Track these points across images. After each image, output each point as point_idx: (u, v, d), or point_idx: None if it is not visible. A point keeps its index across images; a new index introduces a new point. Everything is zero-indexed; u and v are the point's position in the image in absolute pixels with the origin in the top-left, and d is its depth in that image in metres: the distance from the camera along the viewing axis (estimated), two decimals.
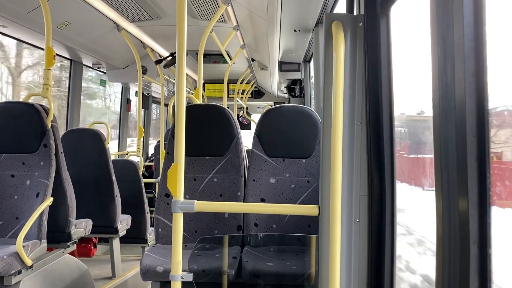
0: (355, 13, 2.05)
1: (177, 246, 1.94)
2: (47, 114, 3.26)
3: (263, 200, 3.09)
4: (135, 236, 4.84)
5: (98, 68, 6.15)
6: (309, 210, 2.01)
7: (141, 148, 5.61)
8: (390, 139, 1.92)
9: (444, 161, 1.21)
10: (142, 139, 5.59)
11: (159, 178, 3.77)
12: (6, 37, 4.33)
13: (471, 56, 1.14)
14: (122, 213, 4.50)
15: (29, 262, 2.81)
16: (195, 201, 1.98)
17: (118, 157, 6.56)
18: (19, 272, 2.79)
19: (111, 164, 4.37)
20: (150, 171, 7.45)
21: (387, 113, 1.92)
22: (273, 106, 3.38)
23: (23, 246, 2.76)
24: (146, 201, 4.92)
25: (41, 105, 3.29)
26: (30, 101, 3.40)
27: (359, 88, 1.96)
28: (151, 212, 5.23)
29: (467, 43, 1.14)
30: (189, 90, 8.19)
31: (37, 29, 4.04)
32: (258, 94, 10.32)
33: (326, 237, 1.84)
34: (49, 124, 3.24)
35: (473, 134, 1.13)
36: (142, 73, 5.70)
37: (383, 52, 1.92)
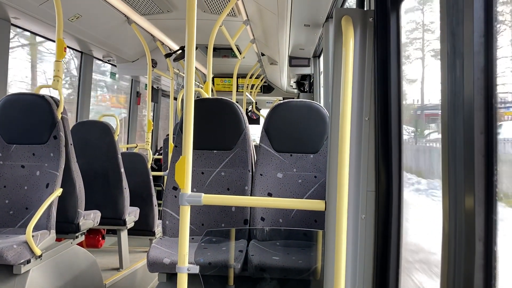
0: (365, 8, 2.04)
1: (184, 238, 1.96)
2: (57, 105, 3.29)
3: (270, 195, 3.10)
4: (142, 228, 4.87)
5: (109, 61, 6.19)
6: (315, 205, 2.02)
7: (150, 141, 5.64)
8: (398, 135, 1.91)
9: (452, 157, 1.21)
10: (151, 132, 5.62)
11: (168, 171, 3.78)
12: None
13: (480, 52, 1.13)
14: (130, 205, 4.53)
15: (38, 251, 2.85)
16: (203, 194, 2.00)
17: (127, 149, 6.60)
18: (28, 262, 2.83)
19: (120, 156, 4.40)
20: (158, 164, 7.49)
21: (396, 109, 1.91)
22: (281, 101, 3.37)
23: (33, 236, 2.80)
24: (154, 193, 4.95)
25: (51, 97, 3.32)
26: (40, 92, 3.43)
27: (368, 84, 1.95)
28: (159, 205, 5.27)
29: (476, 39, 1.13)
30: (198, 84, 8.21)
31: (48, 21, 4.07)
32: (267, 89, 10.31)
33: (332, 232, 1.84)
34: (59, 116, 3.27)
35: (480, 131, 1.12)
36: (152, 66, 5.72)
37: (393, 47, 1.91)
